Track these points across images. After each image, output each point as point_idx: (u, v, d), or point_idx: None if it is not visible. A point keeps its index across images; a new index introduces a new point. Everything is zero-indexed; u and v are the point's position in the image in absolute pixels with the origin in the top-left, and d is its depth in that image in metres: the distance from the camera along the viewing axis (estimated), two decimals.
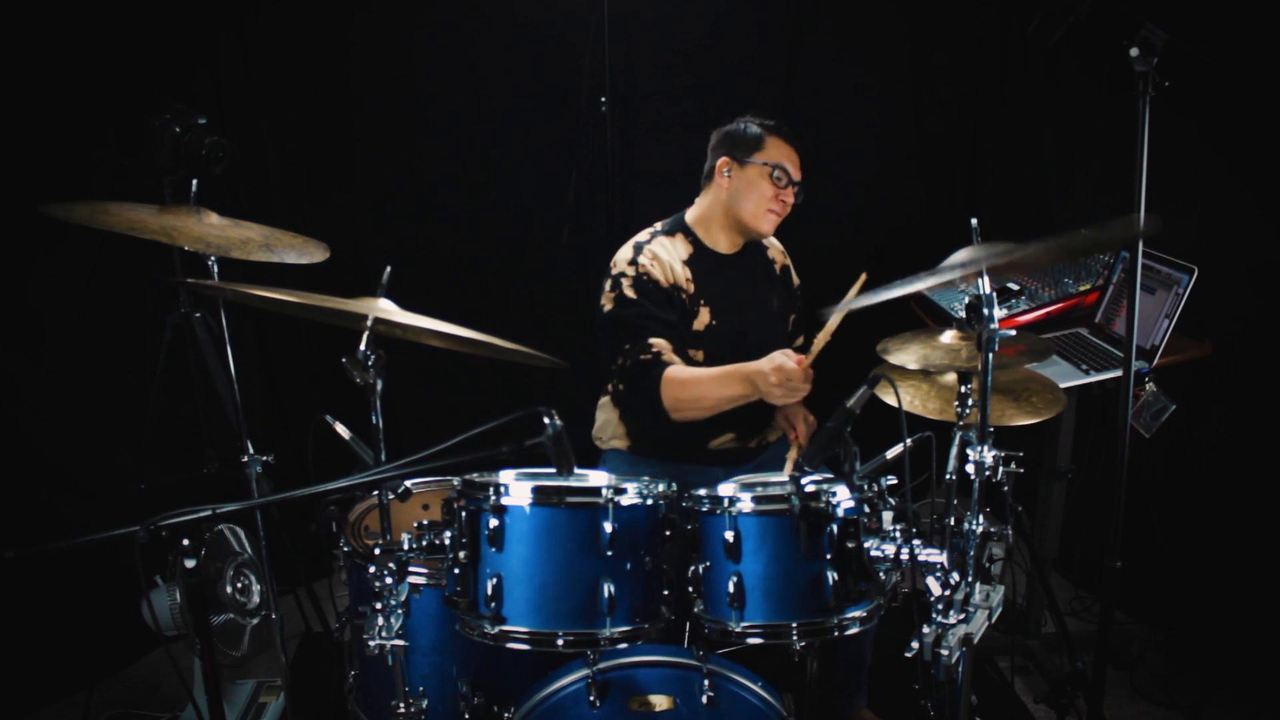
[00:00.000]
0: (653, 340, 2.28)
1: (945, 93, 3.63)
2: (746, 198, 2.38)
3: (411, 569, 1.72)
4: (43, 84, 2.69)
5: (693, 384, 2.25)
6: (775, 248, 2.62)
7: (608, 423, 2.59)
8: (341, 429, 1.74)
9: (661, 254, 2.39)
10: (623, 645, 1.73)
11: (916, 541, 1.64)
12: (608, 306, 2.35)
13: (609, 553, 1.64)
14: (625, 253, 2.40)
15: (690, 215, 2.48)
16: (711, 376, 2.25)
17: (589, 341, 2.48)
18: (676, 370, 2.26)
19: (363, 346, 1.65)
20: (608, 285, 2.37)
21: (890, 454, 1.70)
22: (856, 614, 1.71)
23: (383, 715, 1.97)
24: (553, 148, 3.47)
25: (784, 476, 2.11)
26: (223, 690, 1.84)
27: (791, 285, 2.63)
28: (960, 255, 1.66)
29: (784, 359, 2.12)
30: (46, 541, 1.44)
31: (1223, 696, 2.67)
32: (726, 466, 2.51)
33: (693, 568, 1.77)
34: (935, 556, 1.61)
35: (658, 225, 2.49)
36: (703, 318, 2.41)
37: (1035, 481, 2.84)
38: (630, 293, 2.33)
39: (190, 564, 1.36)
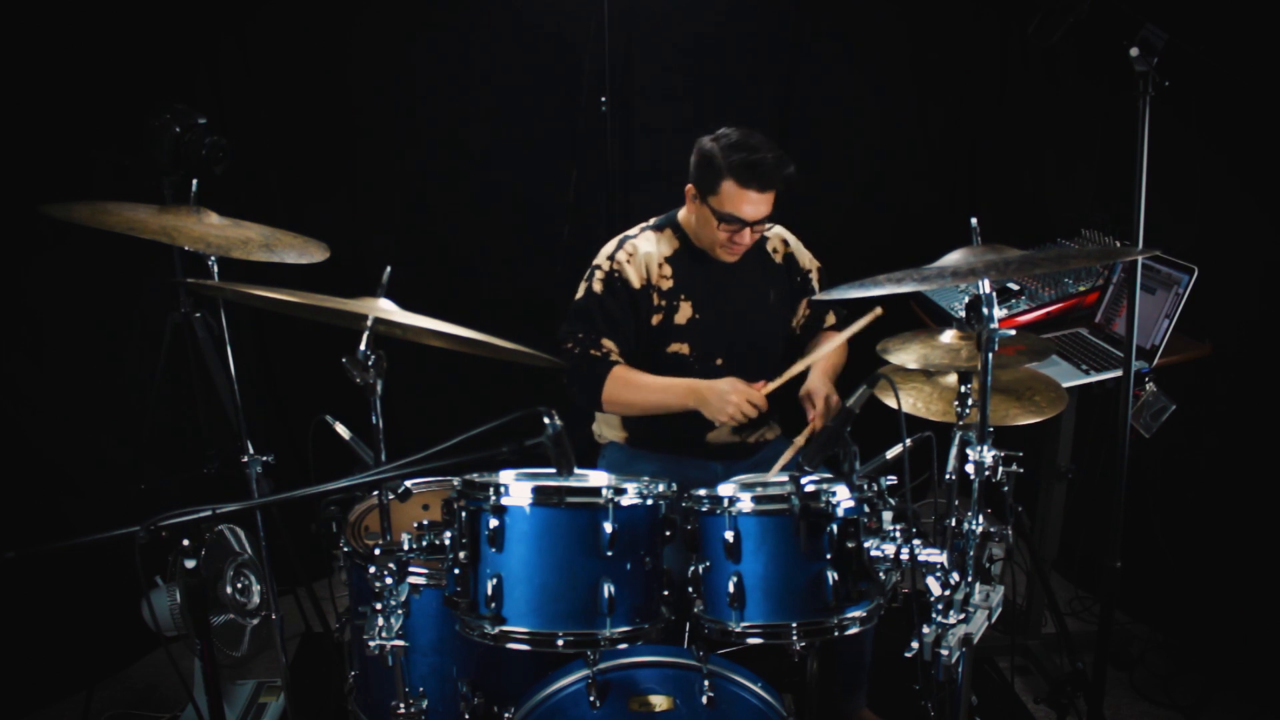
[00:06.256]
0: (604, 340, 2.39)
1: (945, 93, 3.63)
2: (704, 231, 2.37)
3: (411, 569, 1.72)
4: (43, 84, 2.69)
5: (636, 387, 2.37)
6: (775, 237, 2.57)
7: (606, 416, 2.61)
8: (341, 429, 1.74)
9: (642, 248, 2.42)
10: (623, 645, 1.73)
11: (916, 541, 1.64)
12: (579, 294, 2.47)
13: (609, 553, 1.64)
14: (608, 246, 2.47)
15: (682, 213, 2.49)
16: (657, 385, 2.37)
17: None
18: (624, 370, 2.38)
19: (363, 346, 1.65)
20: (586, 273, 2.47)
21: (890, 454, 1.69)
22: (856, 614, 1.71)
23: (383, 715, 1.97)
24: (553, 148, 3.47)
25: (784, 476, 2.11)
26: (223, 690, 1.84)
27: (795, 273, 2.58)
28: (953, 257, 1.66)
29: (743, 384, 2.25)
30: (46, 541, 1.44)
31: (1223, 696, 2.67)
32: (724, 461, 2.53)
33: (693, 568, 1.77)
34: (935, 556, 1.61)
35: (651, 220, 2.53)
36: (684, 312, 2.42)
37: (1035, 481, 2.84)
38: (599, 286, 2.42)
39: (190, 564, 1.36)
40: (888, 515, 1.73)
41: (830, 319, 2.64)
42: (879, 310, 2.19)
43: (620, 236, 2.49)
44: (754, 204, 2.25)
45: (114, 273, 2.83)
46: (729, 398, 2.23)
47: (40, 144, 2.68)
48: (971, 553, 1.58)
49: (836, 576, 1.67)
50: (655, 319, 2.42)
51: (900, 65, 3.59)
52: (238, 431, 2.32)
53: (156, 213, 1.95)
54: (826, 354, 2.41)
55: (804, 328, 2.63)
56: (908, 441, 1.64)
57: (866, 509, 1.70)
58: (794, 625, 1.69)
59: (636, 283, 2.40)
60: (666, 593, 1.76)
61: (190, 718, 2.57)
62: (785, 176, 2.26)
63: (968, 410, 1.69)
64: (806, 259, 2.60)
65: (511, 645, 1.65)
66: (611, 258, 2.43)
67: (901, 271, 1.63)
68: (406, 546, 1.66)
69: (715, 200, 2.28)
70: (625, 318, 2.40)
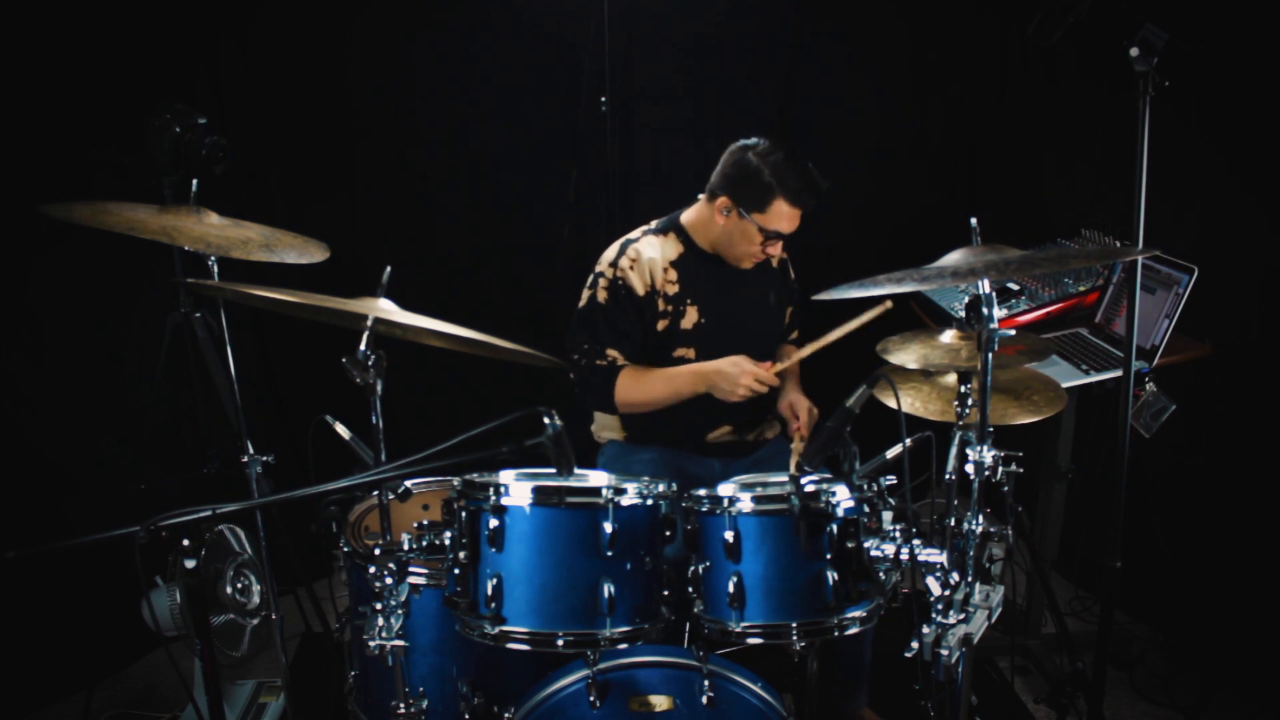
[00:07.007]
0: (609, 350, 2.39)
1: (945, 93, 3.63)
2: (736, 244, 2.37)
3: (411, 569, 1.72)
4: (43, 84, 2.69)
5: (645, 384, 2.39)
6: None
7: (605, 416, 2.61)
8: (341, 429, 1.74)
9: (645, 253, 2.41)
10: (623, 645, 1.73)
11: (916, 541, 1.64)
12: (582, 302, 2.46)
13: (609, 553, 1.64)
14: (610, 252, 2.45)
15: (686, 216, 2.48)
16: (664, 375, 2.39)
17: None
18: (631, 370, 2.39)
19: (363, 346, 1.65)
20: (589, 280, 2.46)
21: (890, 454, 1.69)
22: (856, 614, 1.71)
23: (383, 715, 1.97)
24: (553, 148, 3.47)
25: (784, 476, 2.12)
26: (223, 690, 1.84)
27: (788, 278, 2.65)
28: (953, 257, 1.66)
29: (749, 362, 2.28)
30: (46, 541, 1.44)
31: (1223, 696, 2.66)
32: (723, 459, 2.53)
33: (693, 568, 1.77)
34: (935, 556, 1.61)
35: (652, 223, 2.52)
36: (690, 316, 2.42)
37: (1035, 481, 2.84)
38: (602, 295, 2.41)
39: (190, 564, 1.36)
40: (888, 515, 1.73)
41: (794, 334, 2.71)
42: (889, 303, 2.19)
43: (621, 241, 2.47)
44: (795, 220, 2.33)
45: (114, 273, 2.84)
46: (739, 380, 2.25)
47: (40, 144, 2.68)
48: (971, 553, 1.58)
49: (836, 576, 1.67)
50: (661, 324, 2.42)
51: (900, 65, 3.59)
52: (238, 431, 2.32)
53: (156, 213, 1.95)
54: (797, 361, 2.50)
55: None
56: (908, 441, 1.64)
57: (866, 509, 1.70)
58: (794, 625, 1.69)
59: (640, 289, 2.39)
60: (666, 593, 1.76)
61: (190, 718, 2.57)
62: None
63: (967, 410, 1.69)
64: (791, 271, 2.66)
65: (511, 645, 1.65)
66: (614, 264, 2.41)
67: (901, 271, 1.63)
68: (406, 546, 1.66)
69: (762, 217, 2.29)
70: (630, 325, 2.40)
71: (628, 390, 2.38)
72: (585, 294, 2.45)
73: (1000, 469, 1.63)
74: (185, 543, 1.34)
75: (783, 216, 2.29)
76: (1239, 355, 2.74)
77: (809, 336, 2.72)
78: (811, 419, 2.42)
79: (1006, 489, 1.66)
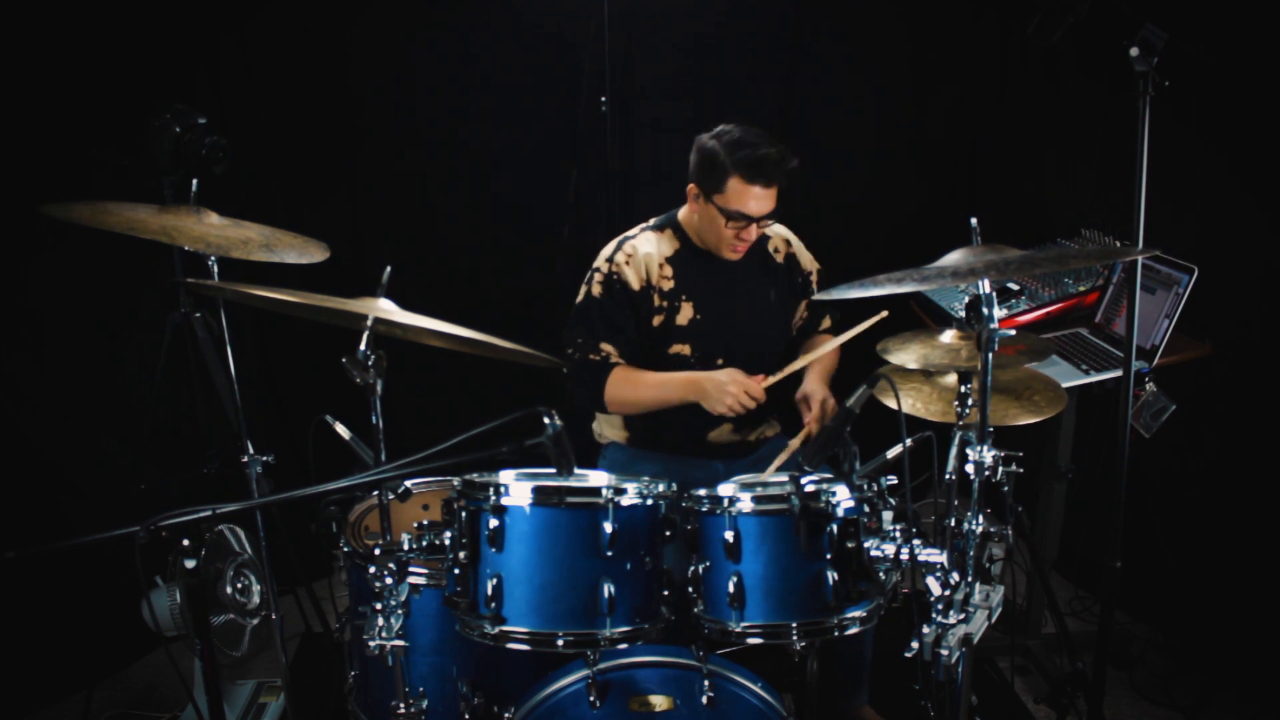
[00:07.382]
0: (603, 345, 2.39)
1: (945, 93, 3.63)
2: (708, 232, 2.37)
3: (411, 569, 1.72)
4: (43, 84, 2.69)
5: (636, 385, 2.38)
6: (778, 237, 2.58)
7: (607, 416, 2.61)
8: (341, 429, 1.74)
9: (641, 249, 2.42)
10: (623, 645, 1.73)
11: (916, 541, 1.64)
12: (579, 297, 2.47)
13: (609, 553, 1.64)
14: (607, 249, 2.47)
15: (682, 213, 2.49)
16: (657, 380, 2.38)
17: None
18: (624, 370, 2.39)
19: (363, 346, 1.65)
20: (586, 276, 2.46)
21: (890, 454, 1.69)
22: (856, 614, 1.71)
23: (383, 715, 1.97)
24: (553, 148, 3.47)
25: (783, 476, 2.12)
26: (223, 690, 1.84)
27: (796, 273, 2.59)
28: (953, 257, 1.66)
29: (742, 375, 2.28)
30: (46, 541, 1.44)
31: (1223, 696, 2.66)
32: (725, 460, 2.53)
33: (693, 568, 1.77)
34: (935, 556, 1.61)
35: (650, 220, 2.53)
36: (685, 312, 2.42)
37: (1035, 481, 2.84)
38: (598, 290, 2.42)
39: (190, 564, 1.36)
40: (888, 515, 1.73)
41: (826, 322, 2.67)
42: (884, 313, 2.19)
43: (619, 238, 2.48)
44: (760, 199, 2.27)
45: (114, 273, 2.84)
46: (727, 388, 2.25)
47: (40, 144, 2.68)
48: (971, 553, 1.58)
49: (836, 576, 1.67)
50: (656, 320, 2.42)
51: (900, 65, 3.59)
52: (238, 431, 2.32)
53: (156, 213, 1.95)
54: (823, 355, 2.43)
55: (801, 330, 2.64)
56: (908, 441, 1.64)
57: (866, 509, 1.70)
58: (794, 625, 1.69)
59: (636, 284, 2.40)
60: (666, 593, 1.76)
61: (190, 718, 2.57)
62: (789, 170, 2.27)
63: (968, 410, 1.69)
64: (807, 260, 2.61)
65: (511, 645, 1.65)
66: (610, 260, 2.42)
67: (901, 271, 1.63)
68: (406, 546, 1.66)
69: (721, 198, 2.27)
70: (625, 320, 2.40)
71: (618, 389, 2.38)
72: (582, 290, 2.46)
73: (1000, 469, 1.63)
74: (185, 543, 1.34)
75: (744, 195, 2.25)
76: (1239, 355, 2.74)
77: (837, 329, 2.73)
78: (827, 411, 2.34)
79: (1006, 489, 1.66)
